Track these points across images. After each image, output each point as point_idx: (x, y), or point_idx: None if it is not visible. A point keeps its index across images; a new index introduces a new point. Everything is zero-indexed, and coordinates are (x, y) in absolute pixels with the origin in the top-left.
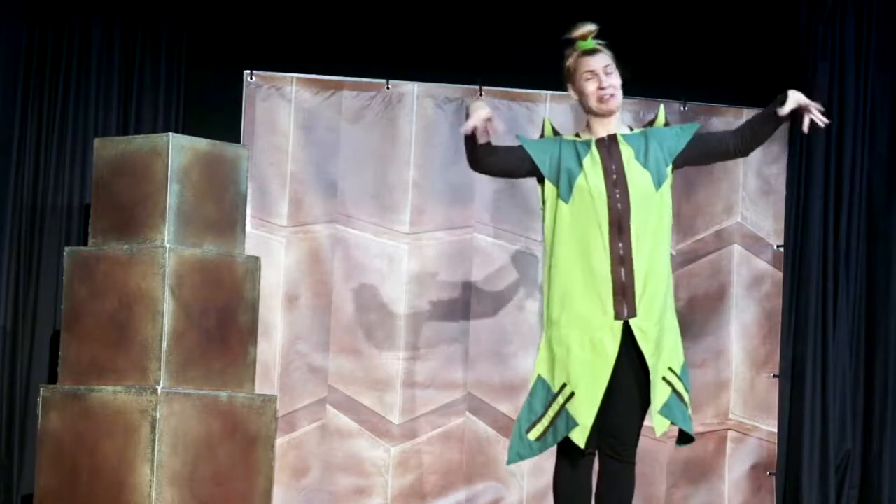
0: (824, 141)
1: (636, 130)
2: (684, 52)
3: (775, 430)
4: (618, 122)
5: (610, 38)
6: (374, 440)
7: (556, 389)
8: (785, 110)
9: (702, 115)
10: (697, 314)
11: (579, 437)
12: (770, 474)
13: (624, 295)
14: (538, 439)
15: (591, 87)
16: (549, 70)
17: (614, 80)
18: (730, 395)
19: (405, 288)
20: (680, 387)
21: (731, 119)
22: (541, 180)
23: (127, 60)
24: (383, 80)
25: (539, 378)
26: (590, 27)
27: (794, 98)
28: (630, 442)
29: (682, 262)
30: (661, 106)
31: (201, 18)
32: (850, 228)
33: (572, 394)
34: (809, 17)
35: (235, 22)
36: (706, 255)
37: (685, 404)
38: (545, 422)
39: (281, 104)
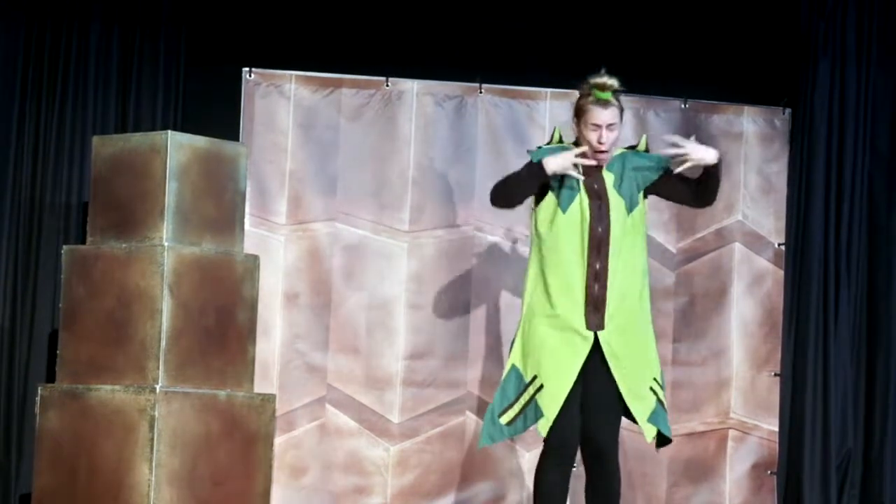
0: (825, 139)
1: (619, 151)
2: (685, 50)
3: (776, 428)
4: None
5: (610, 36)
6: (373, 439)
7: (527, 379)
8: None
9: (702, 113)
10: (698, 312)
11: (543, 428)
12: (771, 473)
13: (596, 308)
14: (509, 424)
15: (591, 137)
16: (548, 67)
17: (613, 137)
18: (731, 394)
19: (404, 286)
20: (662, 395)
21: (731, 116)
22: (542, 191)
23: (125, 58)
24: (383, 78)
25: (513, 367)
26: (611, 82)
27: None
28: (613, 451)
29: (682, 260)
30: (644, 136)
31: (200, 16)
32: (851, 226)
33: (541, 386)
34: (810, 13)
35: (234, 19)
36: (707, 254)
37: (665, 410)
38: (516, 408)
39: (280, 102)
